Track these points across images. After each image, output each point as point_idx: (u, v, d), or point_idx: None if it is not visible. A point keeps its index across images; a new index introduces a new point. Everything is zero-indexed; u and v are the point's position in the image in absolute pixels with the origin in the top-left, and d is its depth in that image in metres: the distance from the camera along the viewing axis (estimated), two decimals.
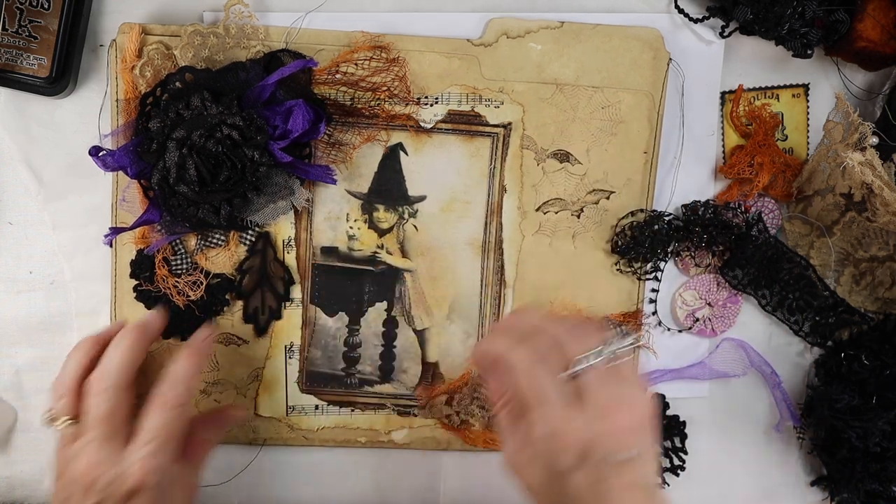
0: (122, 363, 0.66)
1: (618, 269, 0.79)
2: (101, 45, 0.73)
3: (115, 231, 0.72)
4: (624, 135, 0.76)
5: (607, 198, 0.78)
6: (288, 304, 0.77)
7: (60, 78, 0.70)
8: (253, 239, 0.75)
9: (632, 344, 0.62)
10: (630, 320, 0.79)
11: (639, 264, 0.79)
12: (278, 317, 0.77)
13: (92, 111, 0.73)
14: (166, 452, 0.65)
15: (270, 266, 0.76)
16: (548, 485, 0.60)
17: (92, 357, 0.67)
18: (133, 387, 0.67)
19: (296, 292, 0.76)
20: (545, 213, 0.77)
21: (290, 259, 0.76)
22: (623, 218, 0.78)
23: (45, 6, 0.69)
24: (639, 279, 0.79)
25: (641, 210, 0.78)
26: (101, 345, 0.68)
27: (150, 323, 0.71)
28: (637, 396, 0.62)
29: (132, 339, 0.67)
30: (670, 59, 0.76)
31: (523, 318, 0.66)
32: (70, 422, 0.65)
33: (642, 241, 0.77)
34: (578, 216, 0.78)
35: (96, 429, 0.64)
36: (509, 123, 0.76)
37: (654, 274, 0.79)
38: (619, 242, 0.78)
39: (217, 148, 0.68)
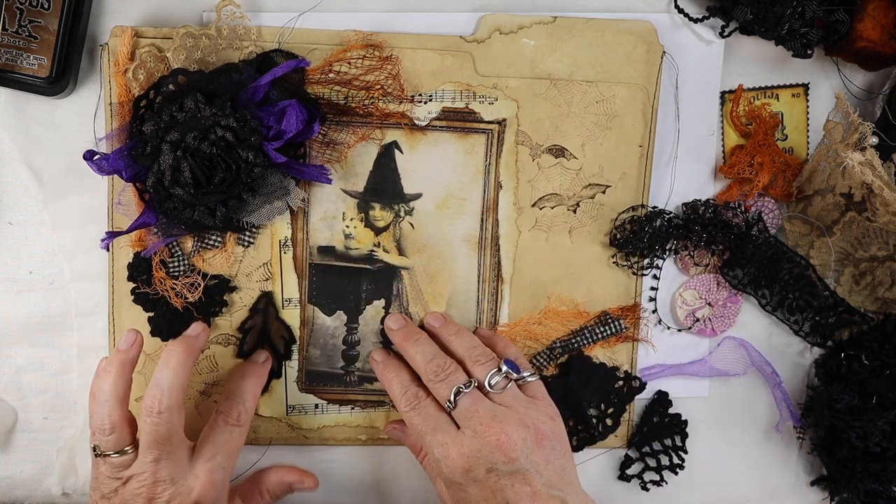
0: (174, 382, 0.67)
1: (614, 262, 0.78)
2: (102, 46, 0.73)
3: (112, 235, 0.72)
4: (619, 129, 0.76)
5: (603, 192, 0.77)
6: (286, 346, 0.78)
7: (60, 78, 0.70)
8: (252, 240, 0.75)
9: (518, 377, 0.70)
10: (628, 314, 0.79)
11: (636, 259, 0.78)
12: (279, 375, 0.78)
13: (92, 111, 0.73)
14: (227, 469, 0.69)
15: (272, 325, 0.77)
16: (454, 496, 0.67)
17: (126, 381, 0.69)
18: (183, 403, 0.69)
19: (294, 292, 0.77)
20: (541, 209, 0.77)
21: (287, 259, 0.76)
22: (624, 212, 0.77)
23: (45, 6, 0.69)
24: (634, 273, 0.79)
25: (643, 206, 0.77)
26: (129, 365, 0.69)
27: (197, 338, 0.71)
28: (529, 414, 0.68)
29: (182, 356, 0.68)
30: (664, 52, 0.75)
31: (415, 346, 0.73)
32: (120, 453, 0.67)
33: (641, 237, 0.77)
34: (574, 211, 0.77)
35: (155, 450, 0.66)
36: (504, 119, 0.75)
37: (650, 270, 0.79)
38: (618, 235, 0.77)
39: (211, 150, 0.68)
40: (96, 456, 0.68)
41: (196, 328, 0.72)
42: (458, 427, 0.68)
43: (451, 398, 0.68)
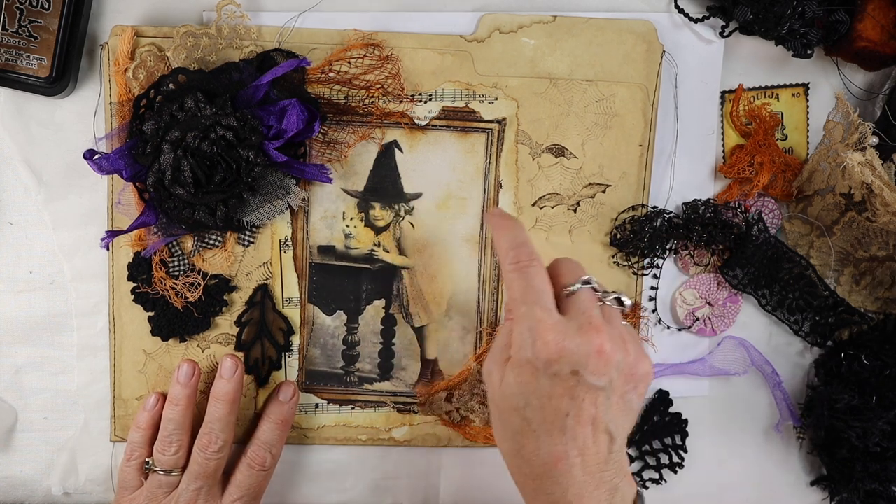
0: (230, 422, 0.73)
1: (615, 262, 0.78)
2: (102, 45, 0.73)
3: (112, 234, 0.72)
4: (619, 128, 0.76)
5: (603, 191, 0.77)
6: (288, 354, 0.78)
7: (60, 78, 0.70)
8: (252, 240, 0.75)
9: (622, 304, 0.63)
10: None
11: (636, 258, 0.78)
12: (278, 367, 0.78)
13: (92, 111, 0.73)
14: None
15: (269, 317, 0.77)
16: (517, 378, 0.59)
17: (193, 411, 0.74)
18: None
19: (294, 291, 0.77)
20: (541, 208, 0.77)
21: (287, 259, 0.76)
22: (624, 212, 0.77)
23: (45, 6, 0.69)
24: (634, 273, 0.79)
25: (643, 205, 0.77)
26: (194, 397, 0.74)
27: (241, 377, 0.74)
28: (629, 338, 0.61)
29: (232, 401, 0.73)
30: (664, 51, 0.75)
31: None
32: (167, 474, 0.73)
33: (642, 236, 0.77)
34: (575, 210, 0.77)
35: (200, 481, 0.72)
36: (504, 119, 0.75)
37: (650, 270, 0.79)
38: (619, 235, 0.77)
39: (212, 149, 0.68)
40: (151, 468, 0.73)
41: (236, 370, 0.74)
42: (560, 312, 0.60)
43: (580, 283, 0.61)
